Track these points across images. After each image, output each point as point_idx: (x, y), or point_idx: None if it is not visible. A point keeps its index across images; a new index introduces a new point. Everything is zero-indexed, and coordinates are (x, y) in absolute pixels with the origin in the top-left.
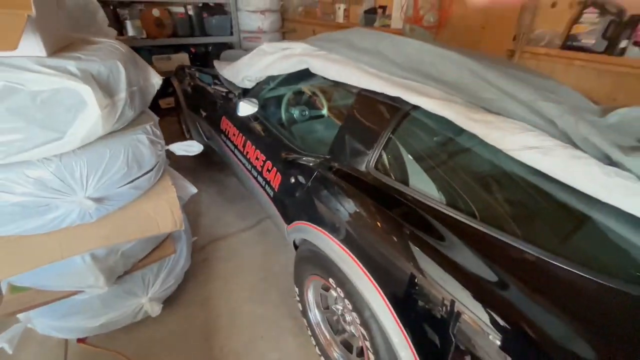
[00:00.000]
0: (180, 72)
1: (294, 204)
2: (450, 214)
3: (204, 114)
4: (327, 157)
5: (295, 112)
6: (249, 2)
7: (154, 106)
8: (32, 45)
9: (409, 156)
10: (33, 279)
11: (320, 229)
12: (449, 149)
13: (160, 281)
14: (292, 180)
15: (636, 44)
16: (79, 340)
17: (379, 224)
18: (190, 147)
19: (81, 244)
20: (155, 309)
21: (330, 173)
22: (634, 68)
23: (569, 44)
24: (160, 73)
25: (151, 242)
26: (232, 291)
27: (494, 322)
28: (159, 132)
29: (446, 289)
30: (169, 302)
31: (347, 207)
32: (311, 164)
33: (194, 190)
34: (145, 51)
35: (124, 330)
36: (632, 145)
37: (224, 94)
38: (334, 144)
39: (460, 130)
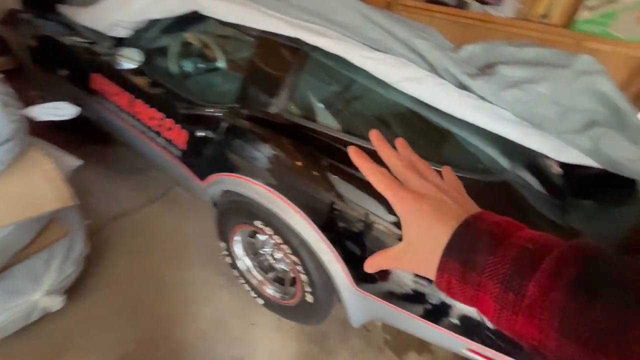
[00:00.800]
0: (14, 19)
1: (207, 158)
2: (352, 140)
3: (63, 73)
4: (236, 105)
5: (190, 63)
6: None
7: None
8: None
9: (314, 95)
10: None
11: (240, 176)
12: (347, 85)
13: (54, 271)
14: (201, 134)
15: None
16: None
17: (298, 161)
18: (59, 110)
19: None
20: (56, 302)
21: (242, 121)
22: (474, 20)
23: None
24: None
25: (31, 227)
26: (149, 265)
27: (399, 224)
28: (10, 91)
29: (362, 205)
30: (75, 290)
31: (265, 151)
32: (219, 114)
33: (76, 162)
34: None
35: (17, 336)
36: (475, 73)
37: (87, 45)
38: (241, 91)
39: (355, 68)
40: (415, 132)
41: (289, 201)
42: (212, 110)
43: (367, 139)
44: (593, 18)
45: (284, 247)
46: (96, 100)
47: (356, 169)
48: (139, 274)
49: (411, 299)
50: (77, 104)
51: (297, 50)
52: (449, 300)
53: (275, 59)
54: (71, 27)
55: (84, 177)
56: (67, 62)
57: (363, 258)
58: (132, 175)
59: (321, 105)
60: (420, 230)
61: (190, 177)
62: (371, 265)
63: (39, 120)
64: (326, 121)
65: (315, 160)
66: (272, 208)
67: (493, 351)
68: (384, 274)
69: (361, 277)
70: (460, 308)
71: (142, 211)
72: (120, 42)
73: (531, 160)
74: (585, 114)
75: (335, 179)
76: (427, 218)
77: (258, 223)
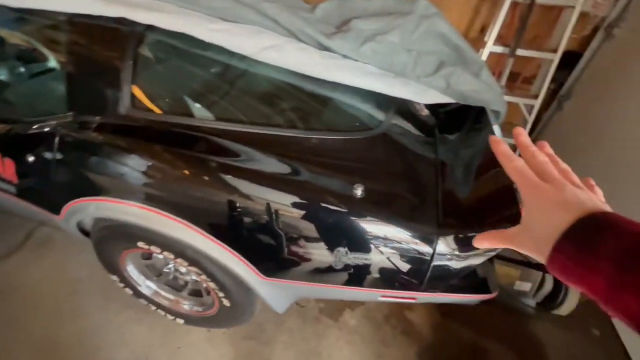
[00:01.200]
0: None
1: (51, 186)
2: (229, 127)
3: None
4: (69, 114)
5: (3, 69)
6: None
7: None
8: None
9: (163, 82)
10: None
11: (103, 198)
12: (205, 65)
13: None
14: (32, 158)
15: None
16: None
17: (184, 169)
18: None
19: None
20: None
21: (87, 132)
22: None
23: None
24: None
25: None
26: (34, 329)
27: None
28: None
29: (261, 196)
30: None
31: (134, 164)
32: (49, 129)
33: None
34: None
35: None
36: (333, 32)
37: None
38: (70, 95)
39: (208, 44)
40: (293, 103)
41: (172, 215)
42: (38, 126)
43: (245, 123)
44: None
45: (180, 260)
46: None
47: (243, 159)
48: (22, 346)
49: (325, 272)
50: None
51: (127, 33)
52: (363, 261)
53: (102, 47)
54: None
55: None
56: None
57: (267, 249)
58: None
59: (181, 95)
60: (543, 214)
61: (42, 214)
62: (481, 242)
63: None
64: (189, 111)
65: (202, 163)
66: (152, 227)
67: (401, 291)
68: (285, 260)
69: (267, 268)
70: (376, 267)
71: (6, 265)
72: None
73: (402, 107)
74: (435, 56)
75: (228, 178)
76: (551, 204)
77: (141, 244)
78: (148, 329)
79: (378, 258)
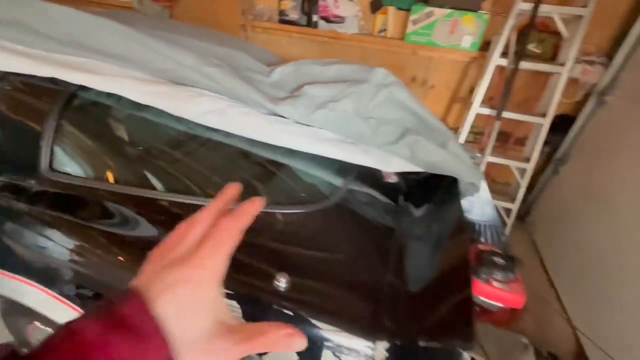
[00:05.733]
0: None
1: None
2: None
3: None
4: None
5: None
6: None
7: None
8: None
9: (89, 143)
10: None
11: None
12: (134, 125)
13: None
14: None
15: (322, 18)
16: None
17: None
18: None
19: None
20: None
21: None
22: (325, 37)
23: (282, 18)
24: None
25: None
26: None
27: None
28: None
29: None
30: None
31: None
32: None
33: None
34: None
35: None
36: (283, 97)
37: None
38: None
39: (142, 105)
40: (243, 171)
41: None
42: None
43: (181, 192)
44: (418, 30)
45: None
46: None
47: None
48: None
49: None
50: None
51: (58, 92)
52: None
53: (28, 105)
54: None
55: None
56: None
57: None
58: None
59: (107, 157)
60: None
61: None
62: None
63: None
64: (115, 174)
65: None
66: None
67: None
68: None
69: None
70: None
71: None
72: None
73: (364, 172)
74: (397, 124)
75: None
76: None
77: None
78: None
79: None
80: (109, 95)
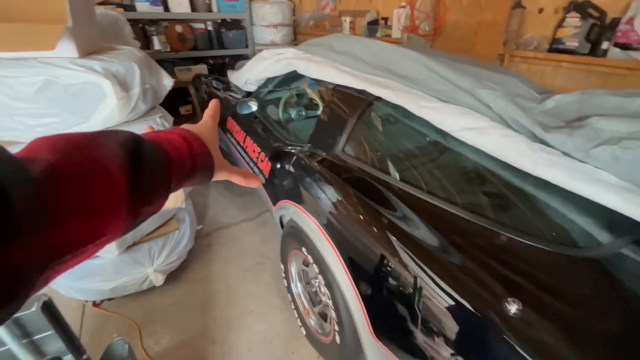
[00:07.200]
0: (197, 80)
1: (279, 186)
2: (408, 190)
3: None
4: (307, 144)
5: (290, 110)
6: (263, 17)
7: (175, 112)
8: (68, 49)
9: (372, 139)
10: None
11: (299, 206)
12: (405, 132)
13: (164, 255)
14: (278, 165)
15: (617, 45)
16: (95, 305)
17: (361, 215)
18: None
19: None
20: (159, 279)
21: (310, 159)
22: (616, 68)
23: (555, 47)
24: (181, 82)
25: (157, 219)
26: (230, 272)
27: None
28: (167, 124)
29: (412, 270)
30: (173, 276)
31: (330, 194)
32: (293, 151)
33: None
34: (169, 63)
35: (132, 298)
36: (559, 125)
37: (231, 98)
38: (313, 133)
39: (415, 116)
40: (486, 188)
41: (333, 243)
42: (290, 148)
43: (423, 190)
44: None
45: (320, 277)
46: (227, 136)
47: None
48: (221, 279)
49: None
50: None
51: (362, 100)
52: None
53: (342, 106)
54: (229, 86)
55: (209, 193)
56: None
57: (389, 314)
58: (241, 196)
59: (381, 152)
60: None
61: (269, 202)
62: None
63: None
64: (383, 167)
65: (377, 217)
66: (317, 244)
67: None
68: (398, 334)
69: (380, 330)
70: None
71: (239, 227)
72: (248, 95)
73: None
74: None
75: (393, 239)
76: None
77: (304, 250)
78: (284, 321)
79: None
80: (394, 106)
